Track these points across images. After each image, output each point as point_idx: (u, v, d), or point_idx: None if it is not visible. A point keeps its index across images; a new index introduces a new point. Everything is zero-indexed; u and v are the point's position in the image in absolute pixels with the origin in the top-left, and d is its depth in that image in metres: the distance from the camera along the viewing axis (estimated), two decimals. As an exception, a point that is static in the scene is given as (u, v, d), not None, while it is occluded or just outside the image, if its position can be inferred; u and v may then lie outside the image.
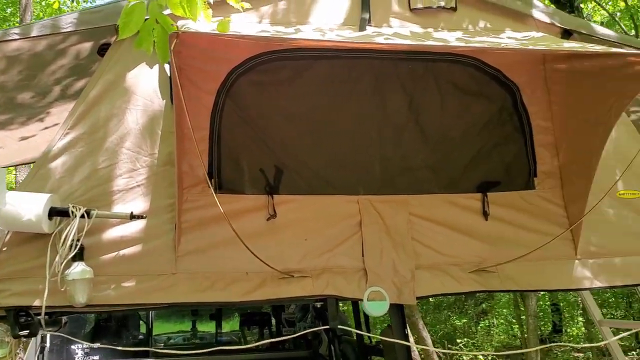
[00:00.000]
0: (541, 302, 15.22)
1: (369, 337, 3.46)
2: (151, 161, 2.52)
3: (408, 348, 2.69)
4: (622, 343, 14.09)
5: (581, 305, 12.78)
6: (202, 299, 2.41)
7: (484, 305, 17.00)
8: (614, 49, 2.42)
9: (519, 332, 13.87)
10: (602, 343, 3.23)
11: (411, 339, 7.58)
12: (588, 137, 2.62)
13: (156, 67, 2.62)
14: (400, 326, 2.64)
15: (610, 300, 14.40)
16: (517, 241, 2.71)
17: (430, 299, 19.15)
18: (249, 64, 2.63)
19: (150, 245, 2.42)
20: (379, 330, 3.24)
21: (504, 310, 15.16)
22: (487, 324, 16.63)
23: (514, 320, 14.94)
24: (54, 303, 2.27)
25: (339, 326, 2.52)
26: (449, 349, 13.76)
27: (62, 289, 2.23)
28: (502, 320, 16.14)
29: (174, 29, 2.06)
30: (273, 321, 5.72)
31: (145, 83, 2.58)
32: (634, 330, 4.09)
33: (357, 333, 3.56)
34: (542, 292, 14.39)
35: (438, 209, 2.72)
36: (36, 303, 2.27)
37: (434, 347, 10.13)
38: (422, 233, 2.68)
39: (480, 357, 13.22)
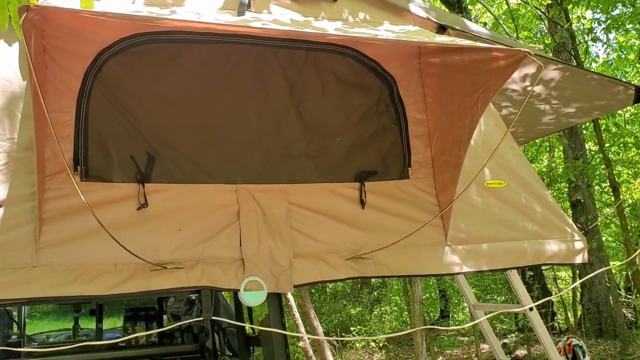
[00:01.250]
0: (429, 290, 15.97)
1: (251, 327, 3.43)
2: (10, 146, 2.33)
3: (285, 337, 2.69)
4: (504, 327, 15.11)
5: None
6: (65, 293, 2.26)
7: (376, 294, 17.56)
8: (480, 44, 2.53)
9: (409, 319, 14.45)
10: (471, 323, 3.40)
11: (294, 309, 7.66)
12: (457, 128, 2.73)
13: (17, 45, 2.43)
14: (278, 315, 2.63)
15: (491, 286, 15.37)
16: (392, 229, 2.78)
17: (327, 289, 19.54)
18: (120, 45, 2.50)
19: (8, 237, 2.24)
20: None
21: (396, 298, 15.71)
22: (380, 312, 17.20)
23: (405, 308, 15.56)
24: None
25: (213, 317, 2.46)
26: (342, 337, 14.11)
27: None
28: (394, 308, 16.74)
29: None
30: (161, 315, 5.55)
31: (3, 62, 2.39)
32: (497, 312, 4.34)
33: (238, 335, 3.51)
34: (429, 279, 15.11)
35: (317, 197, 2.73)
36: None
37: (325, 337, 10.32)
38: (300, 221, 2.68)
39: (372, 343, 13.66)
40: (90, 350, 5.01)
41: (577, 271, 13.12)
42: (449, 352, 13.90)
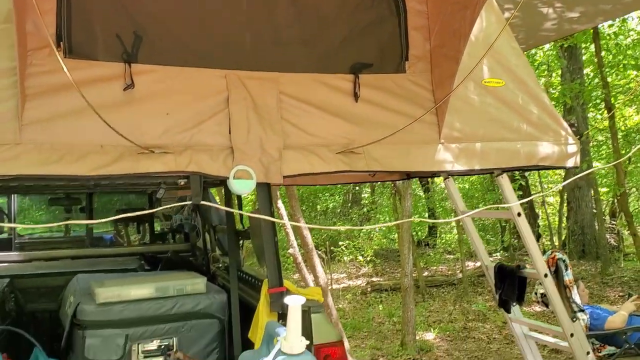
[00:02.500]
0: (418, 209, 16.21)
1: (240, 222, 3.45)
2: (-13, 19, 2.21)
3: (273, 227, 2.69)
4: (490, 247, 15.43)
5: (453, 211, 13.76)
6: (50, 172, 2.22)
7: (365, 210, 17.80)
8: None
9: (397, 236, 14.74)
10: (460, 217, 3.43)
11: (285, 218, 7.76)
12: (457, 20, 2.63)
13: None
14: (267, 205, 2.62)
15: (489, 226, 15.61)
16: (385, 123, 2.73)
17: (318, 207, 19.79)
18: None
19: (-12, 112, 2.17)
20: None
21: (384, 217, 15.96)
22: (368, 230, 17.50)
23: (393, 229, 15.86)
24: None
25: (202, 202, 2.44)
26: (330, 250, 14.42)
27: None
28: (381, 229, 17.05)
29: None
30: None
31: None
32: (482, 210, 4.36)
33: (227, 223, 3.52)
34: (419, 196, 15.28)
35: (309, 88, 2.66)
36: None
37: (317, 250, 10.52)
38: (291, 112, 2.62)
39: (360, 257, 13.99)
40: (81, 247, 5.08)
41: (565, 195, 13.31)
42: (435, 268, 14.30)
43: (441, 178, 4.04)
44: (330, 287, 10.49)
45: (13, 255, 4.75)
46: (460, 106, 2.87)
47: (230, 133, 2.50)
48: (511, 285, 4.08)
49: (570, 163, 3.10)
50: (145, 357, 2.86)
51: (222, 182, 3.53)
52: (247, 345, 2.76)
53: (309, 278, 7.97)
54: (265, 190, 2.61)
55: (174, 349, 2.90)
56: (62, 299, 3.54)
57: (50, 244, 5.28)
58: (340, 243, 14.66)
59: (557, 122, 3.10)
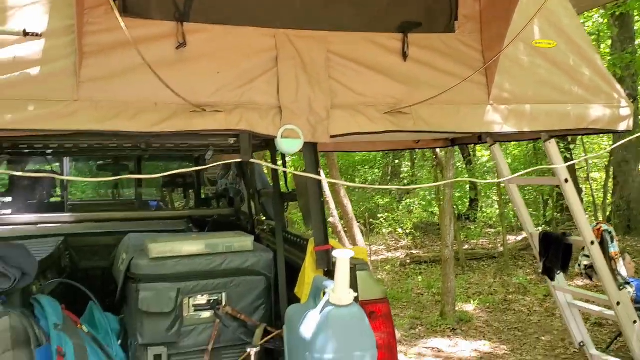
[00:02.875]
0: (459, 185, 16.05)
1: (285, 184, 3.50)
2: (46, -22, 2.28)
3: (320, 186, 2.73)
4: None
5: (495, 185, 13.56)
6: (106, 128, 2.30)
7: (405, 182, 17.70)
8: None
9: (438, 210, 14.65)
10: (505, 179, 3.40)
11: (326, 187, 7.81)
12: (510, -22, 2.58)
13: None
14: (314, 164, 2.65)
15: (530, 200, 15.32)
16: (433, 83, 2.71)
17: (356, 179, 19.77)
18: None
19: (48, 69, 2.24)
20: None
21: (425, 183, 15.80)
22: (408, 203, 17.46)
23: (433, 201, 15.76)
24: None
25: (251, 160, 2.49)
26: (369, 223, 14.47)
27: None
28: (422, 201, 16.98)
29: None
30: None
31: None
32: (530, 176, 4.29)
33: (274, 184, 3.58)
34: (461, 169, 15.11)
35: (358, 47, 2.66)
36: None
37: (357, 220, 10.57)
38: (339, 71, 2.63)
39: (399, 229, 14.00)
40: (130, 211, 5.25)
41: (612, 170, 12.97)
42: (475, 241, 14.20)
43: (480, 149, 4.01)
44: (369, 259, 10.57)
45: (65, 217, 4.94)
46: (509, 67, 2.83)
47: (278, 92, 2.53)
48: (556, 252, 4.05)
49: (622, 126, 3.03)
50: (195, 310, 2.96)
51: (267, 144, 3.60)
52: (293, 301, 2.82)
53: (349, 247, 8.04)
54: (312, 149, 2.64)
55: (223, 304, 2.99)
56: (114, 256, 3.67)
57: (100, 207, 5.46)
58: (379, 215, 14.69)
59: (609, 84, 3.03)
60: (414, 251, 13.41)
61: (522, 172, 3.61)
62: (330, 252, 2.63)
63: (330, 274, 2.59)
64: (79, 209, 5.12)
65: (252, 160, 2.55)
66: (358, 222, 11.90)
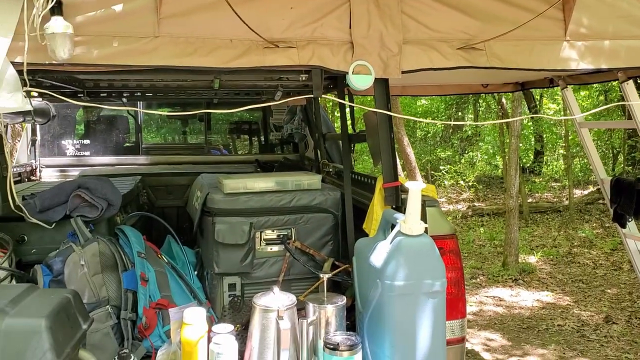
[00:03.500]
0: (525, 138, 15.61)
1: (352, 127, 3.54)
2: None
3: (390, 124, 2.74)
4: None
5: (562, 137, 13.12)
6: (184, 64, 2.38)
7: (469, 133, 17.37)
8: None
9: (502, 163, 14.38)
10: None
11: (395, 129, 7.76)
12: None
13: None
14: (384, 101, 2.67)
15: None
16: (508, 19, 2.64)
17: (418, 132, 19.56)
18: None
19: (131, 6, 2.32)
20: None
21: (488, 138, 15.51)
22: (470, 156, 17.18)
23: (497, 152, 15.43)
24: (36, 60, 2.25)
25: (323, 95, 2.53)
26: (431, 175, 14.37)
27: (43, 43, 2.19)
28: (487, 151, 16.65)
29: None
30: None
31: None
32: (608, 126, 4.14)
33: (342, 127, 3.62)
34: (526, 121, 14.67)
35: (430, -19, 2.62)
36: (18, 59, 2.24)
37: (419, 170, 10.52)
38: (412, 6, 2.60)
39: (461, 181, 13.85)
40: (201, 154, 5.44)
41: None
42: (539, 194, 13.90)
43: (547, 102, 3.90)
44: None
45: (140, 159, 5.19)
46: (588, 1, 2.71)
47: (350, 27, 2.54)
48: (629, 198, 3.94)
49: None
50: (266, 244, 3.09)
51: (334, 85, 3.63)
52: (359, 236, 2.89)
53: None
54: (383, 85, 2.65)
55: (292, 239, 3.10)
56: (188, 195, 3.84)
57: (172, 150, 5.67)
58: (441, 168, 14.56)
59: (698, 18, 2.86)
60: (476, 204, 13.28)
61: (595, 110, 3.49)
62: (399, 188, 2.67)
63: (398, 210, 2.63)
64: (152, 152, 5.34)
65: (324, 96, 2.58)
66: (420, 174, 11.85)
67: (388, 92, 2.70)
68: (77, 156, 5.08)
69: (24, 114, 4.03)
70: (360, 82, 2.55)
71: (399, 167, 7.94)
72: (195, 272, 3.35)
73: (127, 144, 5.35)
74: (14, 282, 2.64)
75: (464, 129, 18.32)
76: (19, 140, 5.40)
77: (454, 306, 2.66)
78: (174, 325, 2.34)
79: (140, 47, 2.35)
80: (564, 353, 5.57)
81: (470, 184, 13.84)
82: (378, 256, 2.21)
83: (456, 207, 13.10)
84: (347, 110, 3.70)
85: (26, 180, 4.59)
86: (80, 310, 2.08)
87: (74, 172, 4.82)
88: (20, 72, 2.25)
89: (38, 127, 4.84)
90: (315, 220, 3.15)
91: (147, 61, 2.38)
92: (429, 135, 19.63)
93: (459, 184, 14.07)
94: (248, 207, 3.04)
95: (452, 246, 2.68)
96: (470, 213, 12.16)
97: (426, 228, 2.32)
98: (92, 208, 2.85)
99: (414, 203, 2.12)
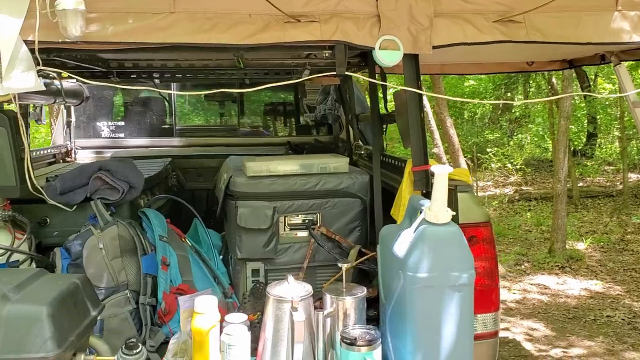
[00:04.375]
0: (576, 120, 14.96)
1: (385, 107, 3.37)
2: None
3: (420, 102, 2.57)
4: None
5: (618, 118, 12.50)
6: (202, 40, 2.27)
7: (517, 114, 16.79)
8: None
9: (551, 145, 13.85)
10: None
11: (431, 117, 7.51)
12: None
13: None
14: (414, 78, 2.49)
15: None
16: (550, -12, 2.42)
17: (465, 113, 19.05)
18: None
19: (145, -20, 2.23)
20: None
21: (538, 120, 14.95)
22: (519, 138, 16.63)
23: (547, 134, 14.86)
24: (47, 38, 2.18)
25: (347, 73, 2.38)
26: (477, 158, 13.95)
27: (54, 21, 2.11)
28: (534, 137, 16.09)
29: None
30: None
31: None
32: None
33: (372, 106, 3.46)
34: (578, 101, 14.05)
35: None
36: (30, 38, 2.18)
37: (464, 155, 10.21)
38: (443, -25, 2.41)
39: (509, 164, 13.41)
40: (234, 136, 5.37)
41: None
42: (591, 178, 13.33)
43: (601, 81, 3.60)
44: (475, 194, 10.24)
45: (174, 141, 5.15)
46: (644, -34, 2.46)
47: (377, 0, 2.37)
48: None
49: None
50: (291, 229, 2.98)
51: (365, 62, 3.46)
52: (388, 222, 2.75)
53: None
54: (412, 62, 2.48)
55: (318, 224, 2.98)
56: (216, 178, 3.77)
57: (206, 132, 5.62)
58: (489, 150, 14.12)
59: None
60: (523, 187, 12.85)
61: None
62: (429, 172, 2.50)
63: (428, 195, 2.47)
64: (186, 134, 5.30)
65: (347, 73, 2.43)
66: (465, 157, 11.52)
67: (418, 69, 2.52)
68: (111, 138, 5.09)
69: (55, 94, 4.03)
70: (388, 58, 2.38)
71: (442, 148, 7.68)
72: (221, 257, 3.28)
73: (161, 126, 5.32)
74: (33, 265, 2.62)
75: (512, 110, 17.74)
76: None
77: (487, 298, 2.49)
78: (184, 314, 2.26)
79: (156, 24, 2.25)
80: (612, 346, 5.29)
81: (518, 167, 13.39)
82: (401, 245, 2.06)
83: (503, 191, 12.71)
84: (379, 89, 3.52)
85: (61, 161, 4.61)
86: (89, 296, 2.02)
87: (109, 154, 4.82)
88: (33, 51, 2.18)
89: (73, 108, 4.85)
90: (342, 205, 3.01)
91: (163, 38, 2.28)
92: (477, 116, 19.09)
93: (507, 167, 13.63)
94: (271, 190, 2.93)
95: (486, 234, 2.50)
96: (517, 197, 11.77)
97: (455, 217, 2.16)
98: (113, 190, 2.79)
99: (440, 188, 1.96)
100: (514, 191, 12.39)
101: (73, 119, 4.87)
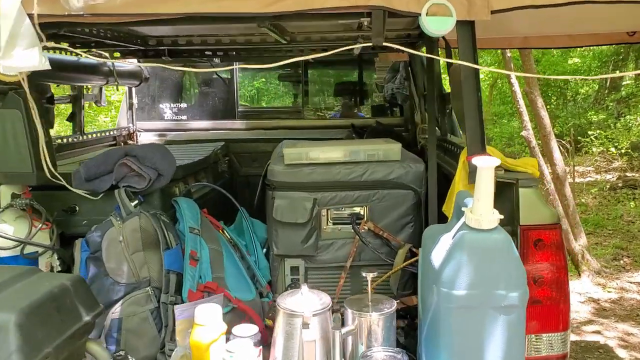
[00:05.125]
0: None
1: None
2: None
3: (477, 80, 2.15)
4: None
5: None
6: (221, 9, 2.00)
7: (623, 93, 15.32)
8: None
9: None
10: None
11: (519, 97, 6.84)
12: None
13: None
14: (470, 50, 2.08)
15: None
16: None
17: (568, 93, 17.70)
18: None
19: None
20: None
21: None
22: (627, 120, 15.19)
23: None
24: (51, 11, 1.99)
25: (385, 43, 2.01)
26: (577, 141, 12.87)
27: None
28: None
29: None
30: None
31: None
32: None
33: (428, 82, 3.05)
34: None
35: None
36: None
37: (561, 139, 9.36)
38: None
39: (612, 149, 12.26)
40: (298, 118, 5.11)
41: None
42: None
43: None
44: (572, 180, 9.39)
45: (237, 123, 4.96)
46: None
47: (423, -43, 1.98)
48: None
49: None
50: (334, 224, 2.67)
51: (421, 34, 3.04)
52: (445, 220, 2.37)
53: (544, 166, 7.12)
54: (467, 30, 2.06)
55: (364, 219, 2.65)
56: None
57: (268, 114, 5.41)
58: (590, 133, 12.99)
59: None
60: (628, 174, 11.68)
61: None
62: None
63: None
64: (248, 116, 5.11)
65: (385, 44, 2.06)
66: (564, 140, 10.61)
67: (474, 39, 2.10)
68: (173, 120, 4.98)
69: (107, 75, 3.93)
70: (437, 25, 1.98)
71: (531, 131, 7.01)
72: (264, 250, 3.02)
73: (224, 109, 5.15)
74: (55, 257, 2.48)
75: (620, 89, 16.22)
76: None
77: (554, 315, 2.06)
78: (181, 325, 2.01)
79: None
80: None
81: (623, 151, 12.20)
82: (438, 253, 1.69)
83: (604, 177, 11.64)
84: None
85: (122, 144, 4.55)
86: (83, 299, 1.81)
87: (170, 136, 4.72)
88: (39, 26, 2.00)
89: (134, 90, 4.77)
90: (392, 197, 2.66)
91: (178, 8, 2.02)
92: (580, 97, 17.65)
93: (610, 151, 12.46)
94: (311, 180, 2.63)
95: (555, 238, 2.06)
96: (620, 184, 10.72)
97: (511, 220, 1.76)
98: (140, 178, 2.59)
99: (483, 186, 1.57)
100: (617, 177, 11.31)
101: (135, 100, 4.80)
